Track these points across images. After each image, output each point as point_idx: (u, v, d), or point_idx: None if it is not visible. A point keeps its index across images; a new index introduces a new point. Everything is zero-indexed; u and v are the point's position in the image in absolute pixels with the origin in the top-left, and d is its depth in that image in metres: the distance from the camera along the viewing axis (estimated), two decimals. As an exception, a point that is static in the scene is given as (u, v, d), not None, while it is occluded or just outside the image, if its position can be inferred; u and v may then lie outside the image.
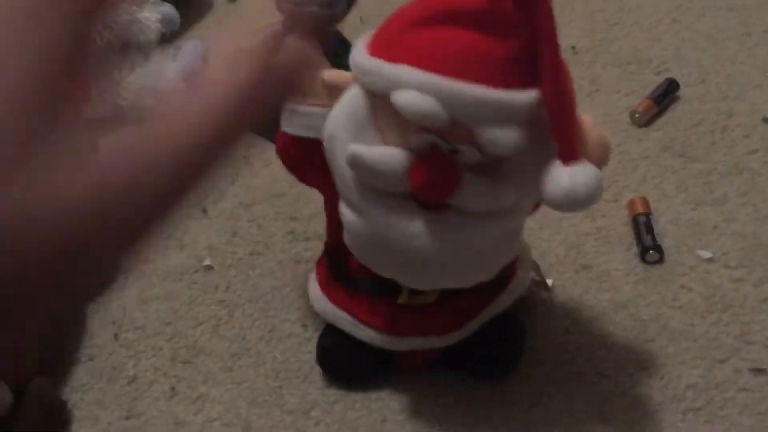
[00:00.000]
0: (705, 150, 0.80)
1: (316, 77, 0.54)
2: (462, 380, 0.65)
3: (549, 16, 0.46)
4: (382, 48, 0.49)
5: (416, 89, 0.46)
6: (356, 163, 0.50)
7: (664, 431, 0.60)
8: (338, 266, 0.63)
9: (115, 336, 0.73)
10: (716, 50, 0.90)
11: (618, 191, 0.78)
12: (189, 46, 0.96)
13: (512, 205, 0.51)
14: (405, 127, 0.49)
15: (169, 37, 1.02)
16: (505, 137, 0.47)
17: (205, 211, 0.84)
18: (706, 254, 0.70)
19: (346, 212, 0.54)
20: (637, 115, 0.83)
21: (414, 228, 0.51)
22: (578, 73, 0.91)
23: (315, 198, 0.82)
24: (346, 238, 0.55)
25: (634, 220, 0.73)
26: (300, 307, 0.73)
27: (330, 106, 0.53)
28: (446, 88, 0.46)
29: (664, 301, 0.68)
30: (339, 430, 0.64)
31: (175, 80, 0.94)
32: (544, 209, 0.76)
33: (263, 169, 0.87)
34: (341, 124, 0.51)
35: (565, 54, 0.96)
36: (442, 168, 0.49)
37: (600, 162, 0.51)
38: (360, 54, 0.50)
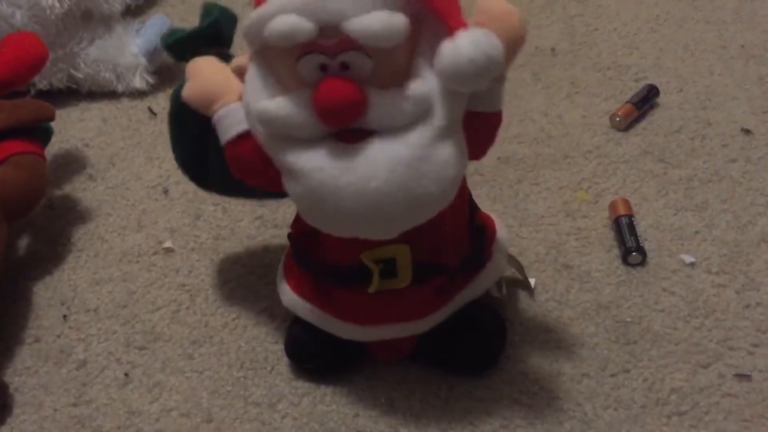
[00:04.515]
0: (685, 156, 0.79)
1: (221, 79, 0.56)
2: (439, 375, 0.62)
3: None
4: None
5: (280, 12, 0.47)
6: (265, 118, 0.51)
7: (648, 435, 0.58)
8: (306, 256, 0.60)
9: (65, 317, 0.68)
10: (694, 61, 0.90)
11: (598, 193, 0.76)
12: (154, 22, 0.92)
13: (428, 106, 0.49)
14: (291, 62, 0.49)
15: (134, 10, 0.97)
16: (373, 22, 0.47)
17: (166, 191, 0.79)
18: (688, 259, 0.69)
19: (287, 182, 0.53)
20: (617, 119, 0.82)
21: (343, 164, 0.50)
22: (558, 74, 0.90)
23: (285, 184, 0.79)
24: (299, 209, 0.54)
25: (616, 222, 0.72)
26: (267, 295, 0.69)
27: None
28: None
29: (646, 303, 0.66)
30: (307, 425, 0.60)
31: (138, 55, 0.89)
32: (523, 205, 0.74)
33: (230, 151, 0.83)
34: (250, 97, 0.52)
35: (544, 55, 0.95)
36: (342, 86, 0.48)
37: (512, 32, 0.50)
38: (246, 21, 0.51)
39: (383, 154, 0.49)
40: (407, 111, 0.49)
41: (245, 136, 0.53)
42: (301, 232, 0.59)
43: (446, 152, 0.50)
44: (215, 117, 0.55)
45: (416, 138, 0.49)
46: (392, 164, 0.49)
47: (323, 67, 0.49)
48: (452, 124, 0.51)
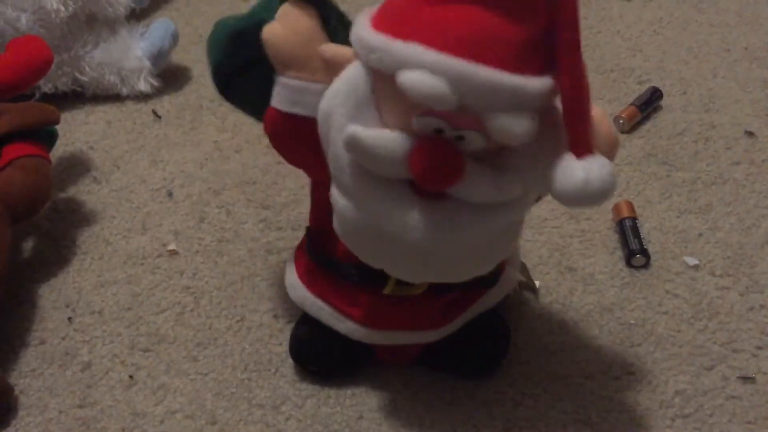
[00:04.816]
0: (688, 159, 0.79)
1: (311, 49, 0.51)
2: (443, 377, 0.62)
3: (572, 2, 0.44)
4: (389, 23, 0.46)
5: (425, 69, 0.43)
6: (354, 146, 0.47)
7: (652, 437, 0.58)
8: (322, 251, 0.60)
9: (69, 319, 0.68)
10: (697, 63, 0.91)
11: (602, 195, 0.76)
12: (159, 25, 0.92)
13: (516, 197, 0.48)
14: (409, 109, 0.46)
15: (138, 13, 0.97)
16: (515, 125, 0.44)
17: (170, 194, 0.79)
18: (692, 261, 0.69)
19: (337, 197, 0.51)
20: (621, 121, 0.82)
21: (410, 217, 0.48)
22: (561, 77, 0.90)
23: (288, 187, 0.79)
24: (336, 225, 0.52)
25: (620, 224, 0.72)
26: (271, 297, 0.69)
27: (325, 81, 0.50)
28: (457, 69, 0.43)
29: (650, 306, 0.66)
30: (311, 427, 0.60)
31: (142, 59, 0.90)
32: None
33: (234, 155, 0.83)
34: (339, 103, 0.48)
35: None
36: (446, 155, 0.46)
37: (609, 156, 0.49)
38: (364, 29, 0.47)
39: (454, 229, 0.48)
40: (495, 199, 0.48)
41: (302, 118, 0.51)
42: (319, 226, 0.59)
43: (510, 239, 0.51)
44: (285, 80, 0.52)
45: (491, 226, 0.48)
46: (459, 242, 0.49)
47: (438, 130, 0.46)
48: (524, 215, 0.51)
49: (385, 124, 0.47)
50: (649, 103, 0.84)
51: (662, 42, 0.94)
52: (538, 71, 0.45)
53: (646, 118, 0.84)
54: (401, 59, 0.44)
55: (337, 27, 0.53)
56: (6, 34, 0.84)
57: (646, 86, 0.86)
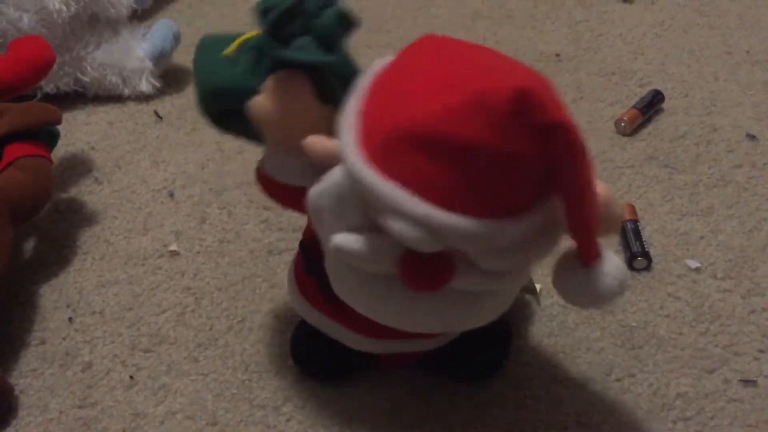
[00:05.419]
0: (690, 162, 0.79)
1: (299, 125, 0.50)
2: (444, 379, 0.62)
3: (575, 151, 0.43)
4: (376, 152, 0.45)
5: (408, 217, 0.44)
6: (342, 254, 0.48)
7: (653, 440, 0.58)
8: (318, 265, 0.59)
9: (70, 320, 0.68)
10: (699, 66, 0.91)
11: (603, 198, 0.76)
12: (161, 26, 0.92)
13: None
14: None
15: (140, 14, 0.97)
16: (499, 263, 0.46)
17: (171, 194, 0.79)
18: (693, 264, 0.69)
19: (330, 271, 0.52)
20: (623, 124, 0.82)
21: (402, 305, 0.50)
22: (562, 80, 0.90)
23: (290, 188, 0.79)
24: (331, 277, 0.53)
25: (622, 227, 0.72)
26: (272, 298, 0.69)
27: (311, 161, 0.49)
28: (438, 220, 0.44)
29: (651, 308, 0.66)
30: (312, 428, 0.60)
31: (144, 59, 0.90)
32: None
33: (236, 155, 0.83)
34: (326, 205, 0.48)
35: (549, 60, 0.95)
36: (434, 261, 0.46)
37: (611, 231, 0.50)
38: (352, 152, 0.45)
39: (446, 315, 0.50)
40: (488, 289, 0.49)
41: (292, 186, 0.53)
42: (313, 239, 0.59)
43: (507, 301, 0.53)
44: (271, 151, 0.53)
45: (484, 305, 0.50)
46: (455, 317, 0.50)
47: None
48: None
49: (370, 219, 0.47)
50: (651, 106, 0.84)
51: (664, 45, 0.94)
52: (527, 208, 0.45)
53: (647, 121, 0.84)
54: (386, 201, 0.44)
55: (335, 87, 0.50)
56: (8, 34, 0.84)
57: (648, 89, 0.86)
